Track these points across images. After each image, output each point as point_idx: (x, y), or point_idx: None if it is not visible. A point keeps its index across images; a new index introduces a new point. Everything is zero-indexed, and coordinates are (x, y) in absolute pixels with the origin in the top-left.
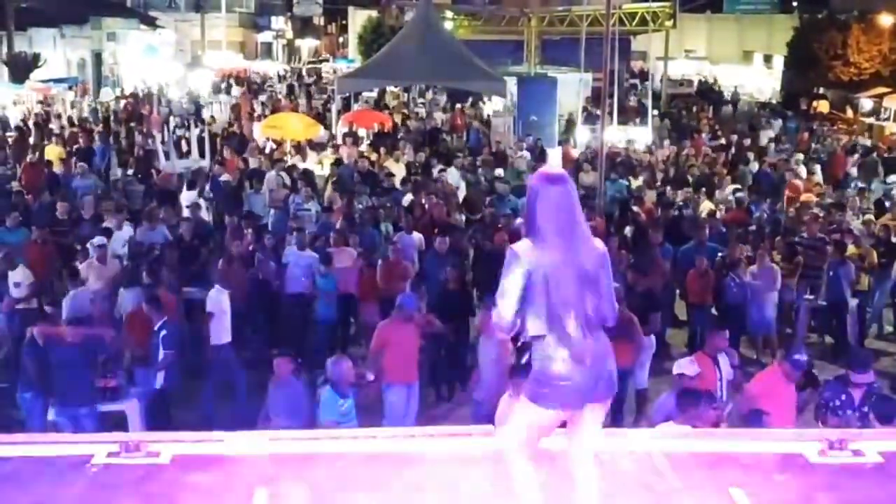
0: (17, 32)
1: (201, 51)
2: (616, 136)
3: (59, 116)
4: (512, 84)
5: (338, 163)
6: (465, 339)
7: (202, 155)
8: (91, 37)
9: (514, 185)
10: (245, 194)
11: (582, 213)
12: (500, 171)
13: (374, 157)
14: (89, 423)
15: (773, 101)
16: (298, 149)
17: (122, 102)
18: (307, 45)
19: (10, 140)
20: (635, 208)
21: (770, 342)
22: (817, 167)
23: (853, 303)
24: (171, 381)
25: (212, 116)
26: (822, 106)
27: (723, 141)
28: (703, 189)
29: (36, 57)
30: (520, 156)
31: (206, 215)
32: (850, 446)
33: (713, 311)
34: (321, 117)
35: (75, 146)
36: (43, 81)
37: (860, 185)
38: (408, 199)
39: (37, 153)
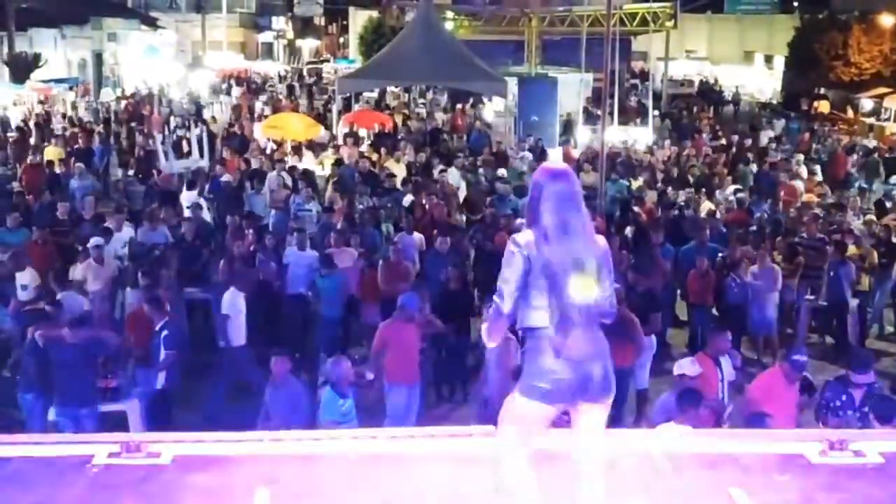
0: (17, 33)
1: (202, 51)
2: (617, 136)
3: (64, 116)
4: (513, 84)
5: (338, 163)
6: (466, 339)
7: (202, 155)
8: (92, 37)
9: (514, 185)
10: (246, 195)
11: (585, 208)
12: (501, 172)
13: (374, 157)
14: (90, 424)
15: (774, 102)
16: (297, 149)
17: (123, 103)
18: (308, 45)
19: (10, 140)
20: (636, 208)
21: (771, 343)
22: (818, 167)
23: (854, 303)
24: (173, 382)
25: (212, 117)
26: (823, 106)
27: (723, 141)
28: (704, 189)
29: (37, 57)
30: (521, 156)
31: (207, 216)
32: (851, 447)
33: (714, 311)
34: (322, 118)
35: (74, 146)
36: (44, 82)
37: (862, 185)
38: (408, 199)
39: (37, 154)
